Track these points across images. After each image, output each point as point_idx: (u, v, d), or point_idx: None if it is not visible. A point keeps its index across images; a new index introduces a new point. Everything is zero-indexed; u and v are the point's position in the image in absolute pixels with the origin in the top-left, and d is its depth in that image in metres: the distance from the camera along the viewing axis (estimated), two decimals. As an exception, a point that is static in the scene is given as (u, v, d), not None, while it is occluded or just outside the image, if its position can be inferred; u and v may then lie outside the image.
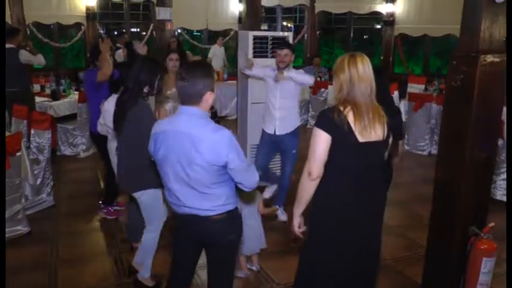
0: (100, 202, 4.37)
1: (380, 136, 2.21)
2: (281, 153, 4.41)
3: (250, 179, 2.18)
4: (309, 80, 4.22)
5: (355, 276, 2.39)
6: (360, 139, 2.15)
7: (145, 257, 3.10)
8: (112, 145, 3.49)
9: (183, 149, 2.06)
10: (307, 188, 2.25)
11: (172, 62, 4.20)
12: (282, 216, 4.39)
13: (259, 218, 3.39)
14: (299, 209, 2.33)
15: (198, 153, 2.03)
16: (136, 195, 2.98)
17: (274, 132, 4.25)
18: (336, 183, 2.26)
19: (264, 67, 4.34)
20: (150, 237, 3.04)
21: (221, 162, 2.05)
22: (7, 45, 5.28)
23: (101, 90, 3.94)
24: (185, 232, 2.31)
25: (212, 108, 2.47)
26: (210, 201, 2.15)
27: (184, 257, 2.41)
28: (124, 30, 8.65)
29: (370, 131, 2.16)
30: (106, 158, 4.10)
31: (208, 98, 2.10)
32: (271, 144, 4.34)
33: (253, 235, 3.32)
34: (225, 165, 2.07)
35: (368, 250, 2.38)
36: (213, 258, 2.35)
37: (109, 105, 3.32)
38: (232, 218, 2.25)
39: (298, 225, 2.37)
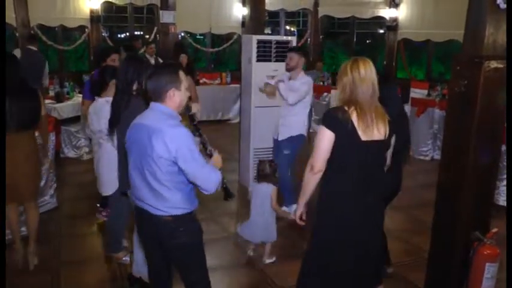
0: (98, 205, 4.36)
1: (382, 135, 2.31)
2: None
3: (206, 180, 2.17)
4: (288, 98, 4.22)
5: (355, 276, 2.45)
6: (363, 137, 2.26)
7: (139, 255, 3.07)
8: (95, 148, 3.57)
9: (141, 141, 2.16)
10: (309, 180, 2.40)
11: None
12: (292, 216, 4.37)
13: (269, 210, 3.53)
14: (302, 199, 2.49)
15: (150, 145, 2.11)
16: (129, 193, 2.98)
17: (278, 136, 4.43)
18: (337, 179, 2.37)
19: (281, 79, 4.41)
20: None
21: (170, 156, 2.10)
22: (33, 48, 5.50)
23: None
24: (141, 227, 2.38)
25: (188, 110, 2.53)
26: (158, 201, 2.20)
27: (149, 250, 2.44)
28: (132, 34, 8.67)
29: (372, 130, 2.27)
30: None
31: (173, 95, 2.18)
32: (276, 148, 4.53)
33: (260, 224, 3.50)
34: (174, 162, 2.11)
35: (367, 250, 2.44)
36: (171, 260, 2.39)
37: (95, 110, 3.38)
38: (179, 223, 2.24)
39: (300, 214, 2.53)
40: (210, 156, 2.37)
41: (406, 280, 3.37)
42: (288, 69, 4.31)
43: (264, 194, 3.55)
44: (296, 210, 2.57)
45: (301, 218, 2.53)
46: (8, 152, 3.00)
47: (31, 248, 3.44)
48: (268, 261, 3.61)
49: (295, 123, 4.36)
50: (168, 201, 2.19)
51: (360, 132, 2.25)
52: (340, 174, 2.36)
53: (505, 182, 4.70)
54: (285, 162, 4.34)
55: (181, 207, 2.23)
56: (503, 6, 2.46)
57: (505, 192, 4.67)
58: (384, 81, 2.41)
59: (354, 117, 2.25)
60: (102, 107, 3.32)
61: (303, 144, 4.51)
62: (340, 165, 2.34)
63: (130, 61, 3.11)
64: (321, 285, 2.52)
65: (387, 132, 2.33)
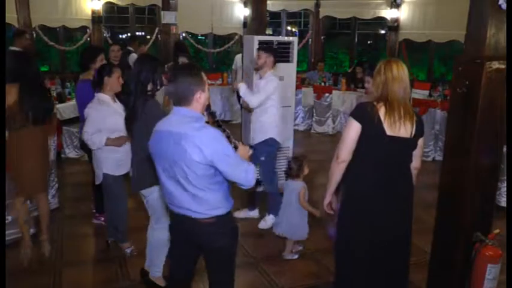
0: (94, 211, 4.35)
1: (408, 134, 2.38)
2: None
3: (244, 176, 2.16)
4: (250, 101, 4.07)
5: (384, 268, 2.52)
6: (388, 132, 2.33)
7: (154, 256, 3.11)
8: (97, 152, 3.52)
9: (171, 148, 2.10)
10: (335, 170, 2.50)
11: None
12: (263, 222, 4.31)
13: (297, 207, 3.57)
14: (329, 189, 2.61)
15: (182, 151, 2.06)
16: (144, 193, 3.01)
17: (252, 142, 4.26)
18: (361, 170, 2.45)
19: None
20: (158, 235, 3.04)
21: (205, 160, 2.07)
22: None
23: None
24: (178, 231, 2.35)
25: (208, 108, 2.50)
26: (198, 204, 2.17)
27: (181, 256, 2.43)
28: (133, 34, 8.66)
29: (399, 126, 2.34)
30: None
31: (199, 97, 2.14)
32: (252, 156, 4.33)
33: (293, 220, 3.57)
34: (211, 165, 2.08)
35: (395, 244, 2.51)
36: (208, 262, 2.37)
37: (98, 114, 3.35)
38: (222, 223, 2.24)
39: (328, 202, 2.66)
40: (236, 148, 2.31)
41: (408, 281, 3.36)
42: (256, 69, 4.22)
43: (291, 190, 3.59)
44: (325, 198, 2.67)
45: (330, 208, 2.67)
46: (24, 145, 3.29)
47: (44, 236, 3.65)
48: (288, 257, 3.65)
49: (265, 126, 4.17)
50: (209, 203, 2.17)
51: (385, 126, 2.33)
52: (363, 166, 2.44)
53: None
54: (264, 170, 4.19)
55: (222, 206, 2.22)
56: (504, 7, 2.46)
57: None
58: None
59: (382, 112, 2.35)
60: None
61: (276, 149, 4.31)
62: (364, 158, 2.42)
63: (142, 61, 3.07)
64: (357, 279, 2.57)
65: (413, 132, 2.39)
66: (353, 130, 2.40)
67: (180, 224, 2.30)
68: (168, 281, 2.57)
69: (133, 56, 6.21)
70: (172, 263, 2.52)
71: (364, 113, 2.38)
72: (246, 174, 2.16)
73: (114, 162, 3.43)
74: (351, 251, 2.54)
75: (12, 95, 3.19)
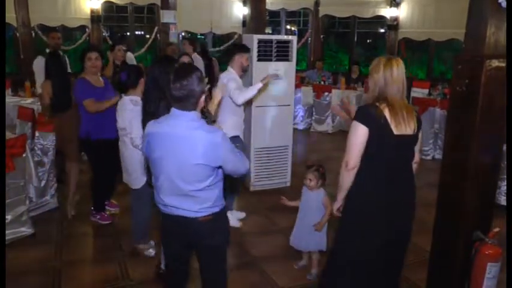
0: (92, 208, 4.35)
1: (412, 130, 2.37)
2: None
3: (245, 166, 2.27)
4: (234, 97, 3.96)
5: (384, 265, 2.51)
6: (395, 131, 2.32)
7: None
8: (120, 144, 3.53)
9: (178, 152, 2.09)
10: (346, 177, 2.44)
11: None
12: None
13: (317, 217, 3.30)
14: (340, 194, 2.54)
15: (194, 156, 2.06)
16: None
17: None
18: (371, 172, 2.41)
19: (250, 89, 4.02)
20: None
21: (216, 163, 2.10)
22: None
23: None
24: (172, 232, 2.35)
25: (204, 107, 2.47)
26: (197, 204, 2.18)
27: (174, 256, 2.44)
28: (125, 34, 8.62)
29: (404, 125, 2.33)
30: (96, 164, 4.14)
31: (202, 101, 2.17)
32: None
33: (303, 231, 3.37)
34: (215, 166, 2.12)
35: (398, 241, 2.52)
36: (203, 260, 2.38)
37: (120, 107, 3.38)
38: (219, 220, 2.28)
39: (338, 207, 2.60)
40: (214, 121, 2.36)
41: (407, 280, 3.36)
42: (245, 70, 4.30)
43: (313, 200, 3.34)
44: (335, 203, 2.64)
45: (339, 211, 2.63)
46: (62, 125, 4.39)
47: (70, 200, 4.37)
48: (311, 276, 3.40)
49: (228, 127, 3.90)
50: (208, 202, 2.19)
51: (392, 127, 2.31)
52: (371, 168, 2.40)
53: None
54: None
55: (219, 203, 2.26)
56: (505, 5, 2.45)
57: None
58: None
59: (387, 113, 2.31)
60: (125, 105, 3.36)
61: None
62: (372, 160, 2.38)
63: (159, 65, 2.98)
64: (350, 282, 2.56)
65: (416, 128, 2.39)
66: (361, 134, 2.33)
67: (174, 226, 2.29)
68: (164, 283, 2.57)
69: (129, 55, 6.22)
70: (167, 265, 2.52)
71: (369, 116, 2.33)
72: (245, 164, 2.26)
73: None
74: (356, 248, 2.51)
75: (47, 89, 4.46)
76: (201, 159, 2.06)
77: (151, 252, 3.60)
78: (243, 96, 3.96)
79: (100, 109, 3.88)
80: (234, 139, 4.07)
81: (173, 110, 2.14)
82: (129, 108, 3.31)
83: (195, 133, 2.08)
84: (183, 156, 2.08)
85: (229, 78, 4.07)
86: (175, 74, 2.10)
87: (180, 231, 2.29)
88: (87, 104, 3.91)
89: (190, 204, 2.17)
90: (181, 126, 2.10)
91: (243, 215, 4.45)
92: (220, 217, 2.28)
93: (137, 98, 3.34)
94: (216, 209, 2.24)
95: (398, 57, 2.40)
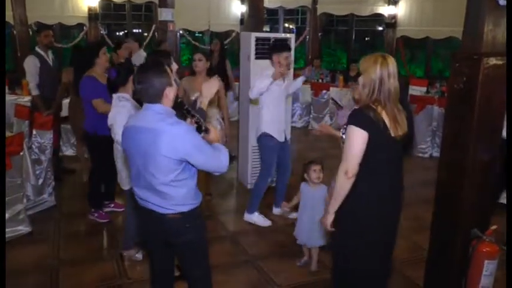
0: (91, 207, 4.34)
1: (404, 130, 2.32)
2: (283, 156, 4.37)
3: (217, 165, 2.21)
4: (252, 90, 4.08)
5: (384, 273, 2.52)
6: (393, 133, 2.26)
7: None
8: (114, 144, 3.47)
9: (143, 144, 2.12)
10: (344, 186, 2.28)
11: (195, 62, 4.18)
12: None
13: (310, 213, 3.36)
14: (334, 206, 2.35)
15: (153, 147, 2.08)
16: None
17: (285, 138, 4.32)
18: (372, 179, 2.31)
19: (260, 81, 4.03)
20: None
21: (176, 156, 2.08)
22: None
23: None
24: (148, 230, 2.37)
25: (178, 98, 2.43)
26: (164, 200, 2.19)
27: (155, 256, 2.45)
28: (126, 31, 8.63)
29: (400, 127, 2.27)
30: (98, 160, 4.11)
31: (168, 93, 2.15)
32: (282, 149, 4.31)
33: (304, 226, 3.41)
34: (182, 160, 2.11)
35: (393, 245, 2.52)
36: (181, 258, 2.40)
37: (122, 118, 3.10)
38: (187, 219, 2.25)
39: (331, 221, 2.39)
40: (207, 131, 2.27)
41: (405, 277, 3.37)
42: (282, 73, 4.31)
43: (315, 196, 3.38)
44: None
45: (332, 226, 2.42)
46: (75, 107, 4.82)
47: (82, 165, 5.01)
48: (315, 268, 3.48)
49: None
50: (174, 199, 2.19)
51: (390, 130, 2.24)
52: (374, 173, 2.30)
53: (504, 179, 4.69)
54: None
55: (188, 203, 2.24)
56: (502, 2, 2.45)
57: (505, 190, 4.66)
58: None
59: (384, 116, 2.23)
60: (113, 103, 3.33)
61: None
62: (373, 165, 2.28)
63: (151, 68, 2.94)
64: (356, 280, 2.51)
65: (407, 126, 2.35)
66: (361, 140, 2.20)
67: (147, 219, 2.31)
68: (150, 284, 2.58)
69: (142, 53, 6.17)
70: (150, 259, 2.53)
71: (367, 120, 2.20)
72: (219, 162, 2.20)
73: None
74: (365, 264, 2.43)
75: (69, 74, 4.91)
76: (163, 150, 2.07)
77: (138, 257, 3.55)
78: (252, 91, 4.04)
79: (109, 110, 3.78)
80: (264, 138, 4.14)
81: (144, 103, 2.21)
82: (114, 105, 3.30)
83: (157, 125, 2.10)
84: (147, 147, 2.11)
85: (260, 75, 4.11)
86: (137, 69, 2.19)
87: (155, 229, 2.31)
88: (96, 104, 3.90)
89: (159, 200, 2.20)
90: (147, 119, 2.14)
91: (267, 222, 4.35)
92: (190, 216, 2.25)
93: (125, 95, 3.33)
94: (184, 208, 2.22)
95: (388, 54, 2.33)
